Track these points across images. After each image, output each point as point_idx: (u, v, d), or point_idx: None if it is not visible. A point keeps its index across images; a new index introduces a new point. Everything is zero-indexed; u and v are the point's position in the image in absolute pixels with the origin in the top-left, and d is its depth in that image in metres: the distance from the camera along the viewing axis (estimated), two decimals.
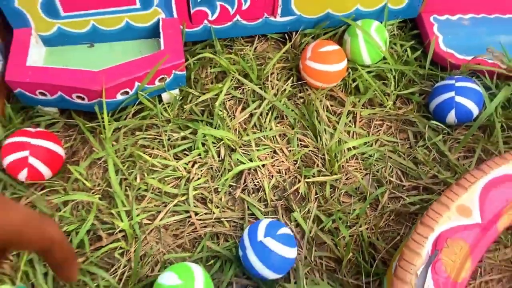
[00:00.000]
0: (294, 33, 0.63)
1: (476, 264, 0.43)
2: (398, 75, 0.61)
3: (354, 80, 0.60)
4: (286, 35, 0.64)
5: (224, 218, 0.50)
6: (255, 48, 0.63)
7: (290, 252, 0.44)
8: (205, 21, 0.58)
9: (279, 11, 0.59)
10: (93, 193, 0.50)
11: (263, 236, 0.44)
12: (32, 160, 0.47)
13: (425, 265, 0.40)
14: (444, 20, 0.64)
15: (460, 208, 0.43)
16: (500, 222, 0.43)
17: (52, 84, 0.50)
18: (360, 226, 0.50)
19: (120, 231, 0.48)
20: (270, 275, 0.44)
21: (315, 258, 0.48)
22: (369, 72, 0.61)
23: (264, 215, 0.51)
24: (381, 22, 0.62)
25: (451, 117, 0.55)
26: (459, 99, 0.54)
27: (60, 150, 0.50)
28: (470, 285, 0.47)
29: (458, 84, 0.55)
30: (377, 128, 0.58)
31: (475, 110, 0.55)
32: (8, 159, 0.47)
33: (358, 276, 0.47)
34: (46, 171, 0.49)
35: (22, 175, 0.48)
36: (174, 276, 0.41)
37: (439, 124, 0.57)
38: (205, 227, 0.50)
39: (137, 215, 0.49)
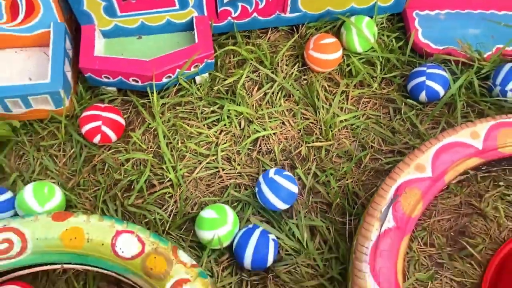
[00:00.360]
0: (300, 25, 0.77)
1: (427, 205, 0.59)
2: (384, 61, 0.76)
3: (348, 65, 0.75)
4: (294, 27, 0.79)
5: (244, 173, 0.67)
6: (269, 38, 0.78)
7: (293, 188, 0.61)
8: (229, 18, 0.73)
9: (288, 8, 0.74)
10: (147, 153, 0.67)
11: (273, 174, 0.61)
12: (104, 128, 0.64)
13: (387, 205, 0.56)
14: (424, 15, 0.77)
15: (417, 166, 0.59)
16: (446, 176, 0.59)
17: (114, 71, 0.66)
18: (347, 180, 0.66)
19: (168, 181, 0.65)
20: (279, 204, 0.60)
21: (312, 202, 0.65)
22: (360, 59, 0.75)
23: None
24: (372, 16, 0.76)
25: (423, 96, 0.70)
26: (429, 82, 0.69)
27: (122, 120, 0.67)
28: (426, 223, 0.64)
29: (429, 70, 0.69)
30: (364, 105, 0.73)
31: (441, 91, 0.70)
32: (85, 128, 0.64)
33: (343, 215, 0.64)
34: (113, 136, 0.65)
35: (96, 139, 0.65)
36: (213, 212, 0.59)
37: (413, 101, 0.72)
38: (230, 179, 0.67)
39: (180, 169, 0.66)
